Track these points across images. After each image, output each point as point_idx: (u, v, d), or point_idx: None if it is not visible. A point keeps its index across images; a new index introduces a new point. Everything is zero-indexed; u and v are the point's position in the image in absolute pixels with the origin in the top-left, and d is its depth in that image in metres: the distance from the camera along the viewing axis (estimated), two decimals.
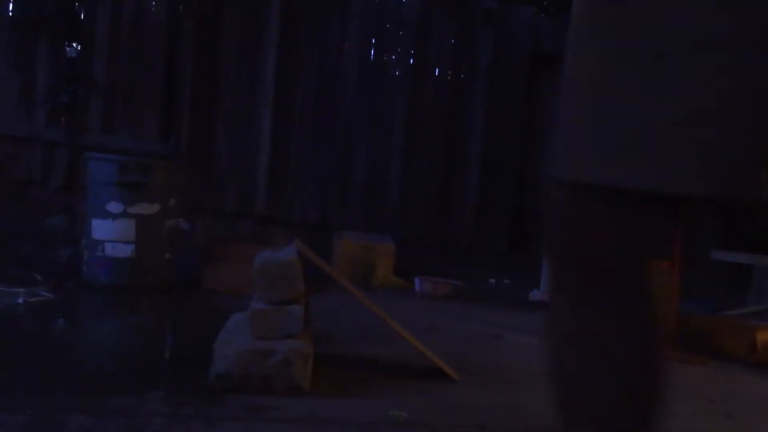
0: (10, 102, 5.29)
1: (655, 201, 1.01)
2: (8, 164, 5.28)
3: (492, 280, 4.96)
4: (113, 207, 3.51)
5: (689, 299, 4.33)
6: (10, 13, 5.29)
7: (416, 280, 4.26)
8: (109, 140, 5.25)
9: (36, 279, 3.48)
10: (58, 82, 5.21)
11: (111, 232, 3.53)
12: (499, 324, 3.56)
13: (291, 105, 5.77)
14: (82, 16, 5.40)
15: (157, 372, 2.27)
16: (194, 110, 5.46)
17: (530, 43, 6.09)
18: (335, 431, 1.95)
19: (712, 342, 3.27)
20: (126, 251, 3.53)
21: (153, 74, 5.51)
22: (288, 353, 2.17)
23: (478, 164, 6.03)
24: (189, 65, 5.57)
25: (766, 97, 0.93)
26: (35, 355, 2.43)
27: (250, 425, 1.92)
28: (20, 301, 3.10)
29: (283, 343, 2.21)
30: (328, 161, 5.86)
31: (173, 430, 1.84)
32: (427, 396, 2.31)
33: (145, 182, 3.52)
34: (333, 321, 3.19)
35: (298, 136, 5.81)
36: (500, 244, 6.10)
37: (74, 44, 5.31)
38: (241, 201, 5.46)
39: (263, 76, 5.67)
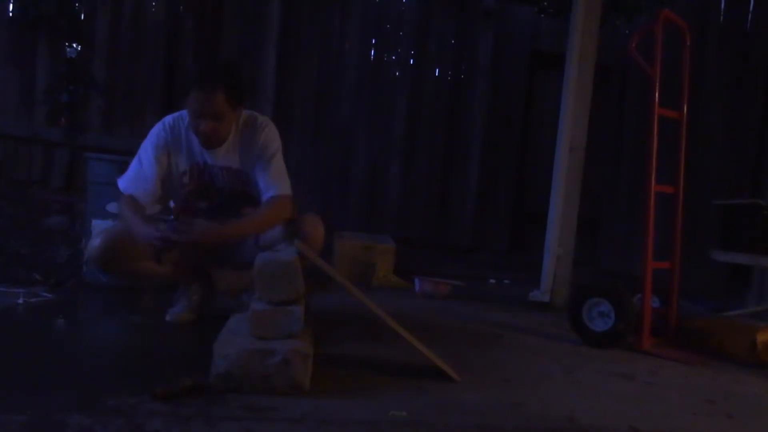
0: (10, 101, 5.30)
1: None
2: (8, 164, 5.28)
3: (492, 280, 4.96)
4: (113, 207, 3.51)
5: (689, 299, 4.33)
6: (10, 13, 5.29)
7: (416, 280, 4.25)
8: (109, 140, 5.26)
9: (36, 279, 3.48)
10: (58, 82, 5.21)
11: None
12: (499, 324, 3.56)
13: (291, 105, 5.78)
14: (82, 16, 5.40)
15: (156, 371, 2.27)
16: None
17: (530, 42, 6.10)
18: (335, 431, 1.95)
19: (712, 342, 3.27)
20: None
21: (153, 74, 5.52)
22: (288, 353, 2.17)
23: (478, 164, 6.04)
24: (189, 65, 5.57)
25: None
26: (35, 355, 2.43)
27: (249, 425, 1.92)
28: (20, 301, 3.10)
29: (283, 343, 2.21)
30: (328, 161, 5.87)
31: (173, 430, 1.84)
32: (427, 396, 2.31)
33: None
34: (333, 321, 3.19)
35: (298, 135, 5.81)
36: (500, 244, 6.10)
37: (74, 44, 5.31)
38: None
39: (263, 76, 5.67)
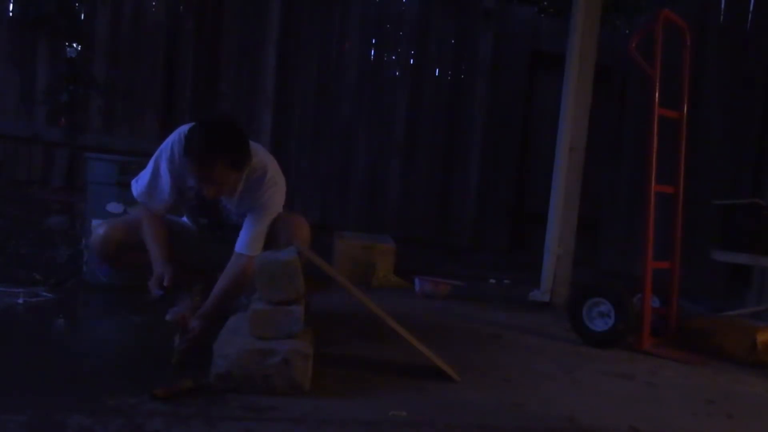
0: (10, 102, 5.29)
1: None
2: (8, 164, 5.28)
3: (492, 280, 4.96)
4: (113, 207, 3.51)
5: (689, 299, 4.33)
6: (10, 13, 5.29)
7: (416, 280, 4.26)
8: (109, 140, 5.26)
9: (36, 279, 3.48)
10: (58, 82, 5.21)
11: None
12: (499, 324, 3.56)
13: (291, 105, 5.78)
14: (82, 16, 5.40)
15: (156, 371, 2.27)
16: (194, 110, 5.46)
17: (530, 42, 6.10)
18: (335, 431, 1.95)
19: (712, 342, 3.27)
20: None
21: (153, 74, 5.51)
22: (288, 353, 2.17)
23: (478, 164, 6.03)
24: (189, 65, 5.57)
25: None
26: (35, 355, 2.43)
27: (250, 425, 1.92)
28: (20, 301, 3.10)
29: (283, 343, 2.21)
30: (328, 161, 5.87)
31: (173, 430, 1.84)
32: (427, 396, 2.31)
33: None
34: (333, 321, 3.19)
35: (298, 135, 5.81)
36: (500, 244, 6.10)
37: (74, 44, 5.31)
38: None
39: (263, 76, 5.67)
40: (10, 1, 5.27)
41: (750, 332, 3.21)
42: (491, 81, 6.01)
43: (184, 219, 2.94)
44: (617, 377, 2.78)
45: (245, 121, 5.50)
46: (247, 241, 2.62)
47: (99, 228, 2.77)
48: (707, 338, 3.31)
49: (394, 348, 2.70)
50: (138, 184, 2.70)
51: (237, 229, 2.66)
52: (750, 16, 5.02)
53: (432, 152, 6.02)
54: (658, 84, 3.27)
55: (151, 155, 2.71)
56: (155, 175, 2.66)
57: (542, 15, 6.31)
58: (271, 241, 2.64)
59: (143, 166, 2.72)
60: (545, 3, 6.43)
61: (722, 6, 5.14)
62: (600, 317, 3.26)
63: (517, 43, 6.07)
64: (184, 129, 2.61)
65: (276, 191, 2.70)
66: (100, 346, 2.71)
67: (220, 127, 2.53)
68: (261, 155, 2.70)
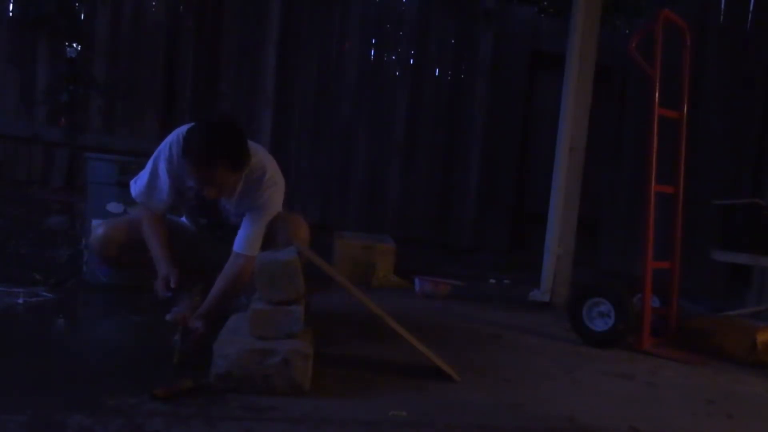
0: (10, 102, 5.29)
1: None
2: (8, 164, 5.28)
3: (492, 280, 4.96)
4: (114, 207, 3.51)
5: (689, 299, 4.33)
6: (10, 13, 5.29)
7: (416, 280, 4.26)
8: (109, 140, 5.26)
9: (36, 279, 3.48)
10: (58, 82, 5.22)
11: None
12: (499, 324, 3.56)
13: (291, 105, 5.78)
14: (82, 16, 5.40)
15: (157, 371, 2.27)
16: (194, 110, 5.47)
17: (530, 42, 6.10)
18: (335, 431, 1.95)
19: (712, 342, 3.27)
20: None
21: (153, 74, 5.51)
22: (288, 353, 2.17)
23: (478, 164, 6.03)
24: (189, 65, 5.57)
25: None
26: (35, 355, 2.43)
27: (250, 425, 1.92)
28: (20, 301, 3.10)
29: (283, 342, 2.21)
30: (328, 161, 5.87)
31: (173, 430, 1.84)
32: (427, 396, 2.31)
33: None
34: (333, 321, 3.19)
35: (298, 135, 5.81)
36: (500, 244, 6.10)
37: (74, 44, 5.31)
38: None
39: (263, 76, 5.67)
40: (10, 1, 5.27)
41: (750, 332, 3.21)
42: (491, 81, 6.01)
43: (184, 219, 2.94)
44: (617, 377, 2.78)
45: (245, 121, 5.50)
46: (245, 241, 2.62)
47: (99, 228, 2.77)
48: (707, 338, 3.31)
49: (394, 348, 2.70)
50: (137, 185, 2.70)
51: (237, 229, 2.66)
52: (750, 16, 5.02)
53: (432, 152, 6.02)
54: (658, 84, 3.27)
55: (151, 155, 2.70)
56: (154, 175, 2.65)
57: (542, 15, 6.31)
58: (269, 240, 2.64)
59: (143, 166, 2.72)
60: (545, 3, 6.42)
61: (722, 6, 5.14)
62: (600, 317, 3.26)
63: (517, 43, 6.07)
64: (182, 129, 2.60)
65: (275, 191, 2.69)
66: (100, 346, 2.70)
67: (220, 127, 2.53)
68: (260, 155, 2.70)
